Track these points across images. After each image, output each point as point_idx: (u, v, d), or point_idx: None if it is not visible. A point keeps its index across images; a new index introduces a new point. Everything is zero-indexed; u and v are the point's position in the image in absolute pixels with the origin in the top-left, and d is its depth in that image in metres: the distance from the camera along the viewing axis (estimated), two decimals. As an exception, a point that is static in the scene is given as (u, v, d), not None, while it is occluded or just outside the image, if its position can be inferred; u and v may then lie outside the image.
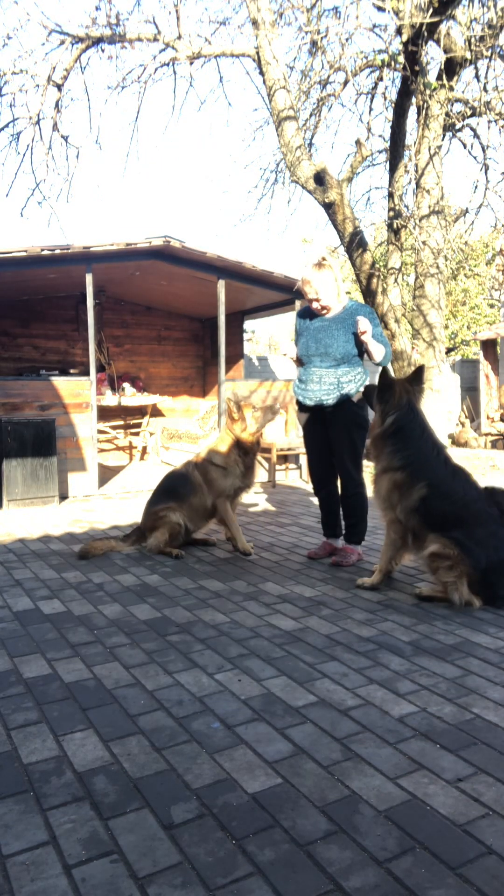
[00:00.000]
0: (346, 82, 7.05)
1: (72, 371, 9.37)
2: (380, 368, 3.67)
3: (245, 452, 4.32)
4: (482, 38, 6.16)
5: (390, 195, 7.09)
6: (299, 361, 4.10)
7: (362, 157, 7.21)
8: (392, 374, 3.54)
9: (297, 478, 8.46)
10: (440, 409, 7.32)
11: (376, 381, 3.52)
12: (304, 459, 8.40)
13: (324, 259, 3.92)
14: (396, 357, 6.89)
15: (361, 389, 3.87)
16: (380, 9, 5.91)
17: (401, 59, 6.01)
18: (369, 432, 3.56)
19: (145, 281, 8.81)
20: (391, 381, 3.45)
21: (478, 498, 3.28)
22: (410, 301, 7.77)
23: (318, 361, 3.92)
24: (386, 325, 6.91)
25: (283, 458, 8.37)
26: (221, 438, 4.45)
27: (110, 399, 9.03)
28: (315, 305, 3.93)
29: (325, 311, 3.95)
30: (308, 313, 4.08)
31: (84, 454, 7.01)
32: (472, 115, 7.47)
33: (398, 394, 3.40)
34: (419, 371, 3.53)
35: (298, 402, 4.10)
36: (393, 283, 7.11)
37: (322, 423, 4.01)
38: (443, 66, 6.68)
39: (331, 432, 3.99)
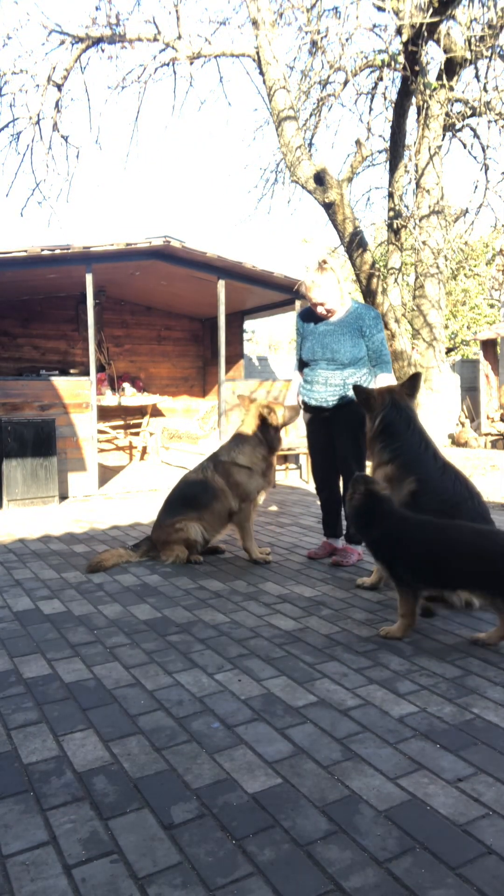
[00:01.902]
0: (346, 82, 7.06)
1: (72, 371, 9.37)
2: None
3: (270, 450, 4.10)
4: (482, 38, 6.16)
5: (390, 195, 7.09)
6: (303, 363, 4.09)
7: (362, 157, 7.21)
8: (364, 387, 3.56)
9: (297, 478, 8.46)
10: (440, 409, 7.32)
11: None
12: (304, 459, 8.40)
13: (325, 262, 3.86)
14: (396, 357, 6.89)
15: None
16: (380, 9, 5.91)
17: (401, 59, 6.01)
18: (366, 437, 3.58)
19: (145, 281, 8.81)
20: (367, 392, 3.50)
21: (468, 497, 3.28)
22: (410, 301, 7.77)
23: (325, 364, 3.92)
24: (386, 325, 6.91)
25: (283, 458, 8.37)
26: (243, 438, 4.13)
27: (110, 399, 9.03)
28: (320, 310, 3.91)
29: (329, 315, 3.94)
30: (311, 315, 4.06)
31: (84, 454, 7.01)
32: (472, 115, 7.48)
33: (378, 398, 3.46)
34: (415, 379, 3.54)
35: (303, 402, 4.10)
36: (393, 283, 7.11)
37: (326, 423, 4.01)
38: (443, 66, 6.69)
39: (335, 433, 3.99)
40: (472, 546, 2.67)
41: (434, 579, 2.75)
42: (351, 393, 3.88)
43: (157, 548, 4.16)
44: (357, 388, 3.51)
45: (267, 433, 4.10)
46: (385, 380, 3.92)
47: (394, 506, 2.96)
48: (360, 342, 3.90)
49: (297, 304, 8.62)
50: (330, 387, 3.91)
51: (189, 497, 4.13)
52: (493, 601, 2.62)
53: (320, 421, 4.04)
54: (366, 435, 3.60)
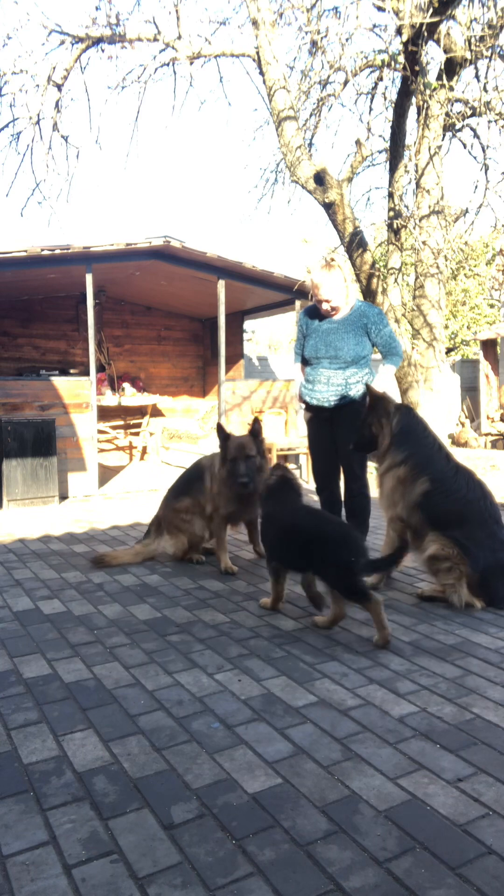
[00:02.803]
0: (346, 82, 7.05)
1: (72, 371, 9.37)
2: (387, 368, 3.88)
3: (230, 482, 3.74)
4: (482, 38, 6.16)
5: (390, 195, 7.08)
6: (305, 361, 4.09)
7: (362, 157, 7.20)
8: (378, 392, 3.60)
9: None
10: (440, 409, 7.32)
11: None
12: (304, 459, 8.40)
13: (332, 260, 3.89)
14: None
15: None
16: (380, 9, 5.91)
17: (401, 59, 6.00)
18: (379, 446, 3.55)
19: (145, 281, 8.81)
20: (380, 394, 3.54)
21: (480, 497, 3.28)
22: (410, 301, 7.76)
23: (328, 363, 3.92)
24: (386, 325, 6.91)
25: (283, 458, 8.37)
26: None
27: (110, 399, 9.03)
28: (325, 307, 3.91)
29: (333, 313, 3.94)
30: (315, 313, 4.06)
31: (84, 454, 7.01)
32: (472, 115, 7.47)
33: (391, 400, 3.51)
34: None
35: (304, 402, 4.10)
36: (393, 283, 7.11)
37: (328, 422, 4.01)
38: (443, 66, 6.68)
39: (337, 433, 3.99)
40: (308, 531, 2.93)
41: (287, 560, 3.07)
42: (352, 392, 3.88)
43: (164, 529, 4.13)
44: (369, 388, 3.56)
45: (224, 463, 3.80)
46: (389, 371, 3.91)
47: (294, 495, 3.21)
48: (364, 340, 3.90)
49: (298, 304, 8.61)
50: (332, 386, 3.91)
51: (189, 481, 4.12)
52: (324, 582, 2.88)
53: (321, 421, 4.04)
54: (379, 445, 3.57)
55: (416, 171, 7.17)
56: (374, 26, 6.40)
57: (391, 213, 7.10)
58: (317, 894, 1.38)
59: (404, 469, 3.35)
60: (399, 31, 5.85)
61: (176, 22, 6.85)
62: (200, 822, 1.61)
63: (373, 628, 2.93)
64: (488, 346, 13.00)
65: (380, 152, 8.20)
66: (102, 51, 7.28)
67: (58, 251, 6.63)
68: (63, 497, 6.77)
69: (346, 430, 3.95)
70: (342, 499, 4.18)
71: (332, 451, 4.08)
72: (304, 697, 2.27)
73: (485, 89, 6.51)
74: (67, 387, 6.97)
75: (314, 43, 6.90)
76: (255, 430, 3.87)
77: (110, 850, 1.52)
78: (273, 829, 1.58)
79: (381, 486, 3.49)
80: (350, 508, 4.12)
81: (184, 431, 10.03)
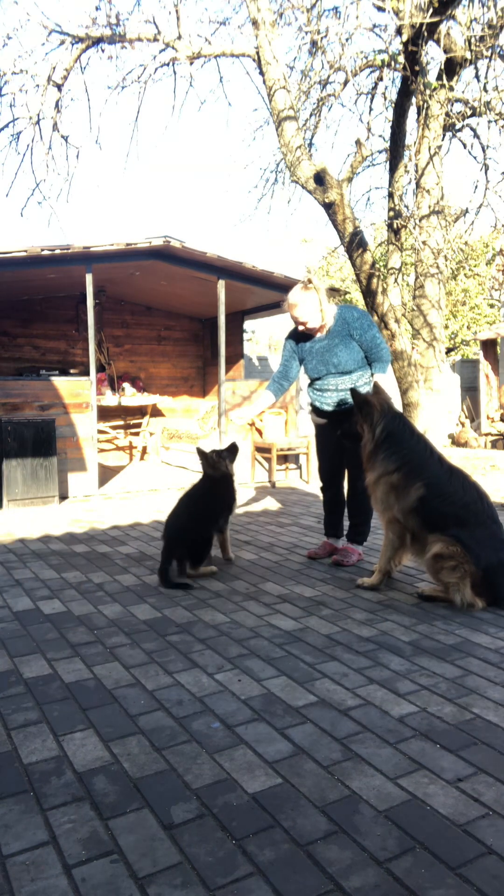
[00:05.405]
0: (346, 82, 7.05)
1: (72, 371, 9.37)
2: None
3: None
4: (482, 38, 6.16)
5: (390, 195, 7.09)
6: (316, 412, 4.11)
7: (362, 157, 7.20)
8: (362, 391, 3.59)
9: (297, 478, 8.46)
10: (440, 409, 7.33)
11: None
12: (304, 459, 8.40)
13: (310, 281, 3.88)
14: (396, 357, 6.89)
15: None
16: (380, 9, 5.91)
17: (401, 59, 6.00)
18: (362, 449, 3.54)
19: (145, 281, 8.81)
20: (365, 397, 3.51)
21: (477, 499, 3.28)
22: (410, 301, 7.77)
23: (333, 375, 3.96)
24: (386, 325, 6.90)
25: (283, 458, 8.37)
26: None
27: (110, 399, 9.03)
28: (301, 328, 3.95)
29: (313, 332, 3.94)
30: (301, 336, 4.05)
31: (84, 454, 7.01)
32: (472, 115, 7.48)
33: (377, 405, 3.46)
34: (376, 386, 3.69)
35: (315, 408, 4.10)
36: (393, 283, 7.11)
37: (339, 424, 4.01)
38: (443, 66, 6.69)
39: None
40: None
41: None
42: (364, 390, 3.89)
43: None
44: (354, 393, 3.50)
45: None
46: (381, 380, 3.89)
47: (208, 477, 4.01)
48: (356, 347, 3.92)
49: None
50: (341, 391, 3.96)
51: None
52: None
53: (334, 424, 4.04)
54: (362, 447, 3.55)
55: (416, 171, 7.18)
56: (374, 26, 6.40)
57: (391, 213, 7.11)
58: (317, 894, 1.38)
59: (397, 476, 3.34)
60: (399, 31, 5.86)
61: (176, 22, 6.86)
62: (200, 822, 1.62)
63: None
64: (488, 346, 13.01)
65: (380, 152, 8.21)
66: (102, 51, 7.29)
67: (58, 251, 6.63)
68: (63, 497, 6.78)
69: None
70: (346, 498, 4.19)
71: (339, 453, 4.08)
72: (304, 697, 2.27)
73: (485, 89, 6.52)
74: (67, 387, 6.97)
75: (314, 43, 6.91)
76: None
77: (110, 850, 1.52)
78: (273, 829, 1.59)
79: (374, 492, 3.49)
80: (353, 507, 4.13)
81: (184, 431, 10.02)
